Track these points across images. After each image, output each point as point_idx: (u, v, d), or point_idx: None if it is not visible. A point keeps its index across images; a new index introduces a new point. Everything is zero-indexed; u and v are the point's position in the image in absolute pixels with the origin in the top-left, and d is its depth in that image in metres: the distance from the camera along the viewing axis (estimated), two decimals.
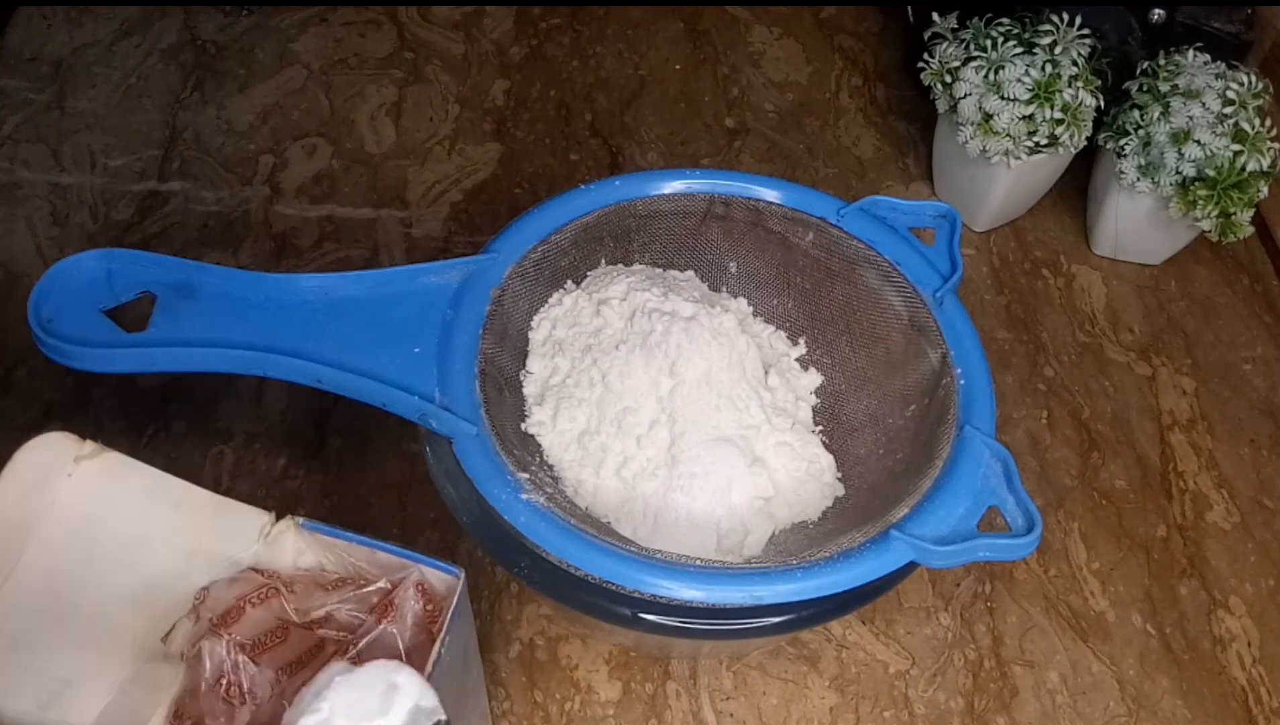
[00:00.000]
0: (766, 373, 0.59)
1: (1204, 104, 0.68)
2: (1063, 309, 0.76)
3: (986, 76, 0.69)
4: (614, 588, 0.45)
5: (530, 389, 0.56)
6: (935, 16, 0.75)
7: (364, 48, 0.86)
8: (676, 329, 0.54)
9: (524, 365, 0.57)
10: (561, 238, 0.57)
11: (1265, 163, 0.67)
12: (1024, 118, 0.68)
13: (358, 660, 0.40)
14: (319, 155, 0.78)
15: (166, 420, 0.63)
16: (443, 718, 0.35)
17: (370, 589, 0.44)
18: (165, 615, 0.43)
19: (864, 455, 0.57)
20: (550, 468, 0.54)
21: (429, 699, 0.35)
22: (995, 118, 0.68)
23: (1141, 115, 0.69)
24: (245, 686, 0.41)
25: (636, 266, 0.61)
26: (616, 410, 0.54)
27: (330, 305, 0.51)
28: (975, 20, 0.72)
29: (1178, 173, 0.68)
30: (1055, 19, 0.70)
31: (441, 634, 0.38)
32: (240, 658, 0.42)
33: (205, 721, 0.40)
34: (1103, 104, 0.71)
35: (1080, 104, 0.68)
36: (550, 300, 0.58)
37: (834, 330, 0.61)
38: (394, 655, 0.40)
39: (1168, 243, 0.76)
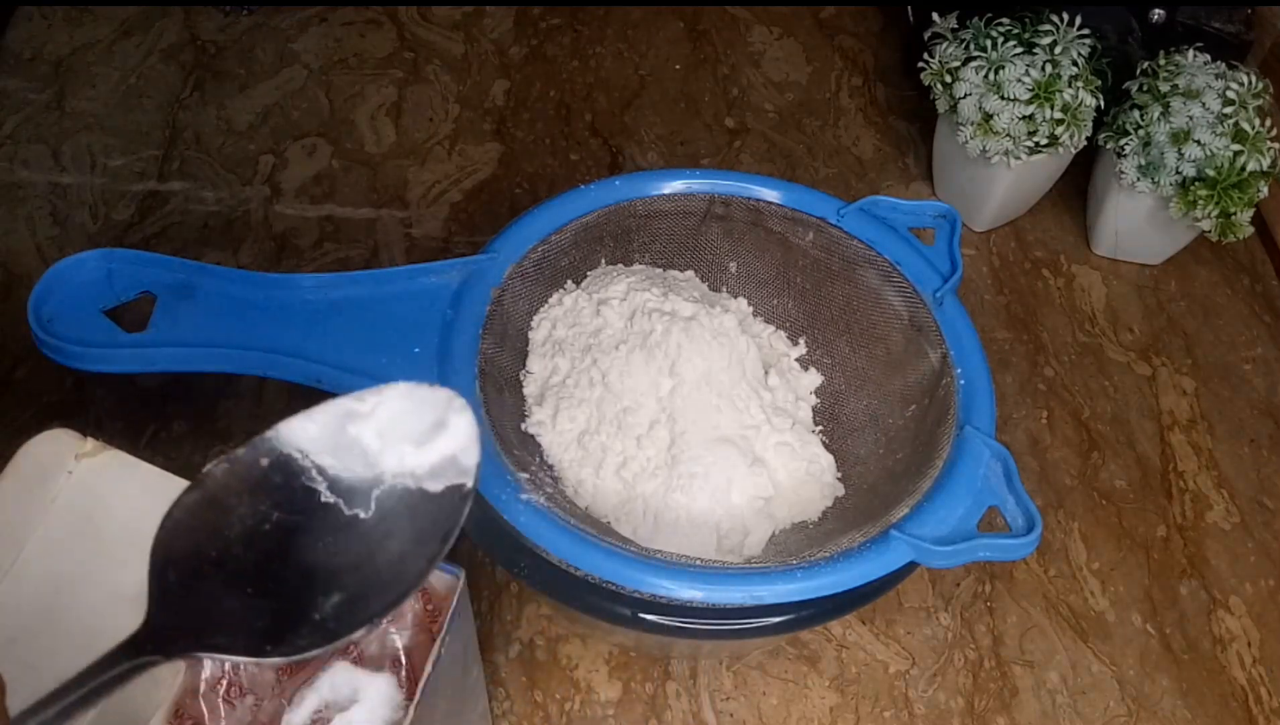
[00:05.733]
0: (766, 373, 0.59)
1: (1204, 104, 0.68)
2: (1063, 309, 0.76)
3: (986, 76, 0.69)
4: (614, 588, 0.45)
5: (530, 389, 0.56)
6: (935, 16, 0.75)
7: (364, 48, 0.86)
8: (676, 329, 0.54)
9: (524, 365, 0.57)
10: (561, 238, 0.57)
11: (1265, 163, 0.67)
12: (1024, 118, 0.68)
13: (359, 660, 0.40)
14: (319, 155, 0.78)
15: (166, 420, 0.63)
16: (469, 484, 0.29)
17: None
18: None
19: (864, 455, 0.57)
20: (550, 468, 0.54)
21: (470, 457, 0.30)
22: (995, 118, 0.68)
23: (1141, 115, 0.69)
24: (245, 686, 0.41)
25: (636, 266, 0.61)
26: (616, 410, 0.54)
27: (330, 305, 0.51)
28: (975, 20, 0.72)
29: (1178, 173, 0.68)
30: (1055, 19, 0.70)
31: (441, 634, 0.38)
32: None
33: (205, 721, 0.40)
34: (1103, 104, 0.71)
35: (1080, 104, 0.68)
36: (550, 300, 0.58)
37: (834, 330, 0.61)
38: (393, 656, 0.40)
39: (1168, 243, 0.76)
